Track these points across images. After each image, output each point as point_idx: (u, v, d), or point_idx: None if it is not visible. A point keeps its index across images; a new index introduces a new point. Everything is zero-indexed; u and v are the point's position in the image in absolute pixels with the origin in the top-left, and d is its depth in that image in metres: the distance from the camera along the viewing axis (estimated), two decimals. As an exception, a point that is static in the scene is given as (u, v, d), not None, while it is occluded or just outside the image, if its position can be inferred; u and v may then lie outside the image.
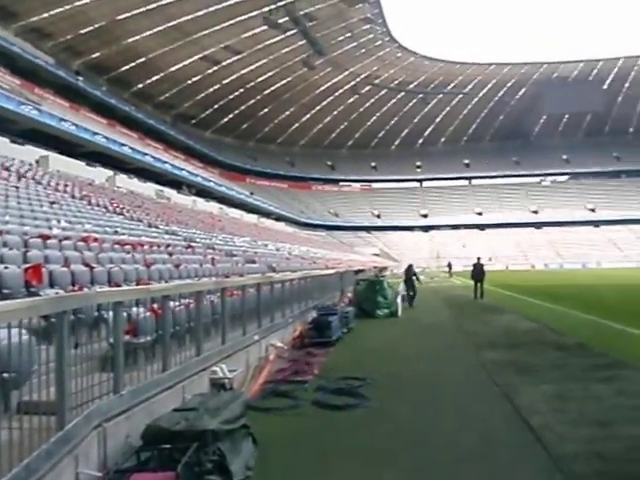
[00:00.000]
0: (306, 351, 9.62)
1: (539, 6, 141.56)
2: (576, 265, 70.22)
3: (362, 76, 75.83)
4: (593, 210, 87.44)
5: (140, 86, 58.32)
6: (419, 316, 15.91)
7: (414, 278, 19.23)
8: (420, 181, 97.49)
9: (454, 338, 11.41)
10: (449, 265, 49.80)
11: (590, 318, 13.32)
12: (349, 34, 63.26)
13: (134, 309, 5.20)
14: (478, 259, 21.20)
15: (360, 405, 6.00)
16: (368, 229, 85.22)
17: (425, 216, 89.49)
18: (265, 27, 52.95)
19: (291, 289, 11.58)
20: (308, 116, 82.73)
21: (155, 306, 5.55)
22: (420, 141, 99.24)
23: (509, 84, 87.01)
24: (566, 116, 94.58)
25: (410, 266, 20.11)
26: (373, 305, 15.82)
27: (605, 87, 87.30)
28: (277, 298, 10.15)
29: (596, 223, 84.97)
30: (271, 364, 7.97)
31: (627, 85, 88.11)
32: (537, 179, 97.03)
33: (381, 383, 7.04)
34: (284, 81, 70.06)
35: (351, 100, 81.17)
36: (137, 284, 7.46)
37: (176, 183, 47.98)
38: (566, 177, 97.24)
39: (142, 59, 53.16)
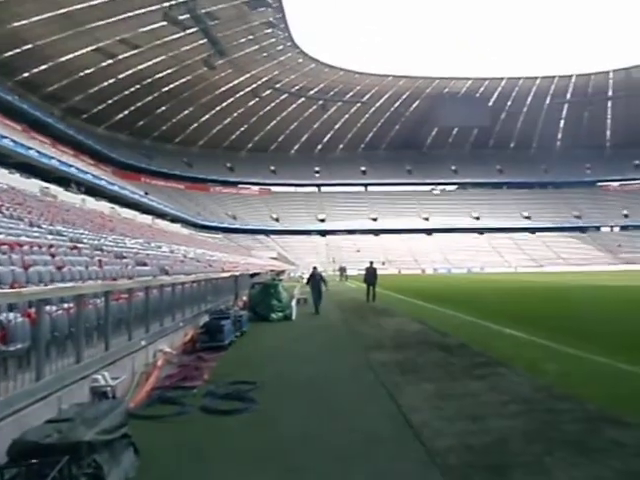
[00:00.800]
0: (197, 356, 9.42)
1: (433, 22, 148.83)
2: (462, 270, 74.54)
3: (263, 79, 75.74)
4: (478, 218, 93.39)
5: (26, 75, 54.30)
6: (312, 319, 16.12)
7: (321, 282, 18.36)
8: (318, 186, 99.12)
9: (345, 340, 11.68)
10: (341, 269, 50.84)
11: (472, 320, 14.17)
12: (251, 37, 62.92)
13: (4, 314, 4.84)
14: (371, 263, 21.85)
15: (249, 409, 5.98)
16: (266, 232, 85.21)
17: (322, 220, 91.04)
18: (165, 23, 51.34)
19: (183, 292, 11.32)
20: (207, 116, 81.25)
21: (31, 311, 5.20)
22: (319, 147, 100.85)
23: (404, 96, 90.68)
24: (455, 129, 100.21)
25: (315, 269, 19.38)
26: (267, 308, 15.78)
27: (490, 104, 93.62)
28: (168, 302, 9.88)
29: (480, 230, 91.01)
30: (159, 370, 7.72)
31: (509, 103, 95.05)
32: (428, 188, 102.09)
33: (271, 386, 7.07)
34: (183, 79, 68.29)
35: (251, 103, 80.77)
36: (12, 287, 6.94)
37: (64, 180, 45.10)
38: (454, 187, 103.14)
39: (29, 45, 49.54)
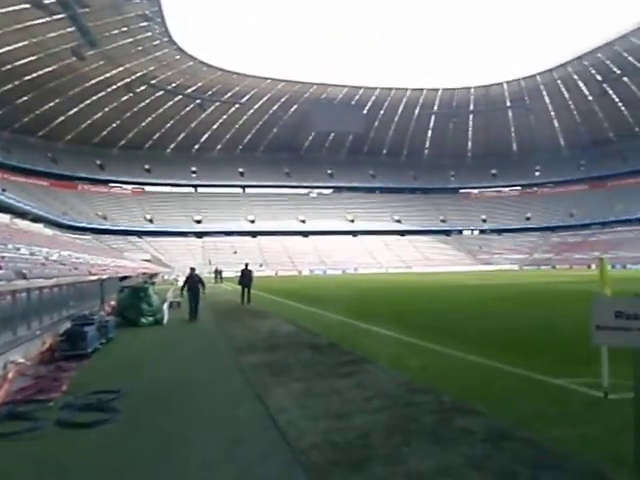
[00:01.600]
0: (56, 366, 8.77)
1: (311, 28, 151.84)
2: (337, 271, 76.62)
3: (138, 74, 72.55)
4: (352, 221, 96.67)
5: None
6: (184, 323, 15.69)
7: (199, 286, 16.94)
8: (195, 187, 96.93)
9: (217, 343, 11.52)
10: (217, 271, 50.21)
11: (343, 319, 14.60)
12: (125, 28, 59.99)
13: None
14: (246, 265, 21.74)
15: (111, 420, 5.66)
16: (139, 234, 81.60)
17: (199, 222, 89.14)
18: (28, 5, 47.40)
19: (41, 298, 10.49)
20: (76, 110, 76.09)
21: None
22: (196, 146, 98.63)
23: (283, 99, 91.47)
24: (332, 135, 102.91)
25: (192, 271, 17.81)
26: (137, 313, 15.09)
27: (365, 112, 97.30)
28: (22, 308, 9.10)
29: (355, 233, 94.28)
30: (9, 383, 7.08)
31: (382, 112, 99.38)
32: (305, 191, 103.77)
33: (137, 393, 6.78)
34: (49, 68, 63.38)
35: (125, 98, 77.08)
36: None
37: None
38: (330, 190, 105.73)
39: None
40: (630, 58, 78.29)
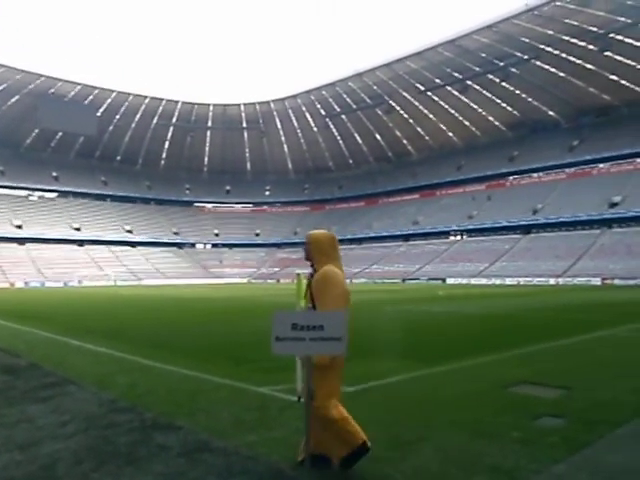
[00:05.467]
0: None
1: (46, 13, 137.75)
2: (59, 283, 70.09)
3: None
4: (79, 229, 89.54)
5: None
6: None
7: None
8: None
9: None
10: None
11: (52, 336, 13.31)
12: None
13: None
14: None
15: None
16: None
17: None
18: None
19: None
20: None
21: None
22: None
23: (1, 87, 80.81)
24: (59, 134, 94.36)
25: None
26: None
27: (99, 114, 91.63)
28: None
29: (80, 242, 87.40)
30: None
31: (118, 117, 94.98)
32: (24, 192, 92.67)
33: None
34: None
35: None
36: None
37: None
38: (54, 194, 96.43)
39: None
40: (347, 99, 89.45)
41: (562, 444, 4.87)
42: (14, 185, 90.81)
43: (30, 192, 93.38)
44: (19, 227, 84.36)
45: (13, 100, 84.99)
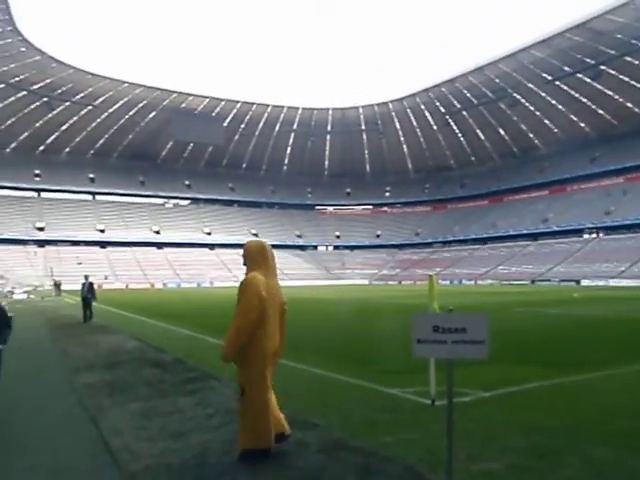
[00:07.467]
0: None
1: (174, 33, 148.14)
2: (192, 284, 74.92)
3: (-30, 63, 65.81)
4: (209, 234, 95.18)
5: None
6: (12, 341, 14.26)
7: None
8: (38, 191, 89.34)
9: (49, 362, 10.61)
10: (56, 284, 46.75)
11: (192, 334, 14.26)
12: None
13: None
14: (86, 277, 20.19)
15: None
16: (-33, 241, 73.39)
17: (42, 229, 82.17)
18: None
19: None
20: None
21: None
22: (42, 148, 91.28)
23: (140, 105, 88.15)
24: (191, 145, 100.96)
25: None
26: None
27: (225, 125, 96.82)
28: None
29: (211, 246, 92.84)
30: None
31: (243, 126, 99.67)
32: (161, 201, 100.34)
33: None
34: None
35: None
36: None
37: None
38: (187, 201, 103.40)
39: None
40: (468, 95, 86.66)
41: None
42: (152, 194, 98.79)
43: (166, 200, 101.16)
44: (157, 232, 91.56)
45: (150, 116, 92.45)
